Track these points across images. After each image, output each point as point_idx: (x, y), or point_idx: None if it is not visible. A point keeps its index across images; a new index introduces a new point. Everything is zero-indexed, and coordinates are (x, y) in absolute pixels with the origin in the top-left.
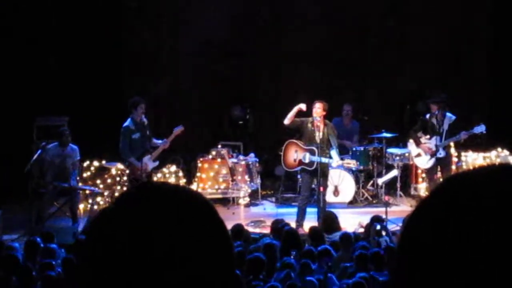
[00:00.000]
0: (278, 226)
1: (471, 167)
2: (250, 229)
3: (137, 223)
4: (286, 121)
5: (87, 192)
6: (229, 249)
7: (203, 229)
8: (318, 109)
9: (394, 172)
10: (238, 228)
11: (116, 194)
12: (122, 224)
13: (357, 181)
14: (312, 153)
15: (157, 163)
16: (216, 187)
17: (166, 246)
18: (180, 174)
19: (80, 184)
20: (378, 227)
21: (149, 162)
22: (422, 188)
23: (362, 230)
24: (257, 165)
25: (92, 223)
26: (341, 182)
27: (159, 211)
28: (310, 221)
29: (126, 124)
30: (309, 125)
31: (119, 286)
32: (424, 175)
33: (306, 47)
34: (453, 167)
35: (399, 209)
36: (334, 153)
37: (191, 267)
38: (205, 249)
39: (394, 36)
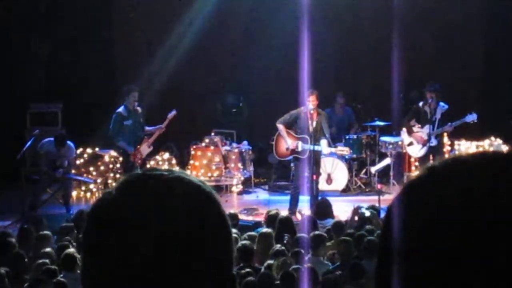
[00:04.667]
0: (272, 215)
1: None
2: (243, 216)
3: (138, 212)
4: (280, 126)
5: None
6: (229, 243)
7: (205, 221)
8: (312, 101)
9: (387, 161)
10: (232, 217)
11: (109, 181)
12: (123, 212)
13: (350, 169)
14: (304, 141)
15: (151, 148)
16: (209, 174)
17: (166, 237)
18: (173, 161)
19: (73, 171)
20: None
21: (145, 149)
22: None
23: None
24: (250, 152)
25: (93, 210)
26: (334, 170)
27: (161, 200)
28: (303, 210)
29: (119, 110)
30: (303, 114)
31: (119, 273)
32: (417, 163)
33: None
34: (446, 155)
35: (392, 198)
36: (323, 141)
37: (191, 259)
38: (205, 242)
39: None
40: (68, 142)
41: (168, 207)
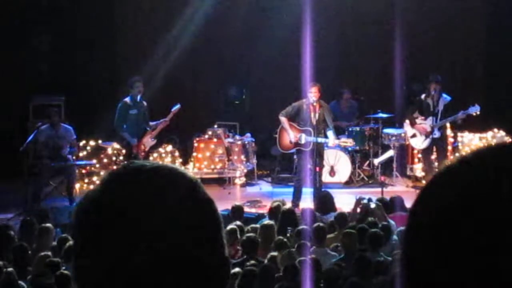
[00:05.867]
0: (275, 207)
1: (467, 148)
2: (246, 209)
3: (122, 203)
4: (282, 119)
5: (83, 171)
6: (216, 228)
7: (187, 207)
8: (315, 92)
9: (390, 153)
10: (238, 209)
11: None
12: (107, 204)
13: (353, 161)
14: (308, 133)
15: (155, 141)
16: (212, 167)
17: (149, 226)
18: (176, 154)
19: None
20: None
21: (148, 141)
22: (418, 169)
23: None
24: (253, 145)
25: (78, 204)
26: (337, 162)
27: (143, 190)
28: (306, 202)
29: (125, 99)
30: (305, 106)
31: (104, 264)
32: (420, 155)
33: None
34: (449, 147)
35: (395, 190)
36: (330, 133)
37: (174, 246)
38: (188, 228)
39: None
40: (64, 124)
41: (155, 195)
